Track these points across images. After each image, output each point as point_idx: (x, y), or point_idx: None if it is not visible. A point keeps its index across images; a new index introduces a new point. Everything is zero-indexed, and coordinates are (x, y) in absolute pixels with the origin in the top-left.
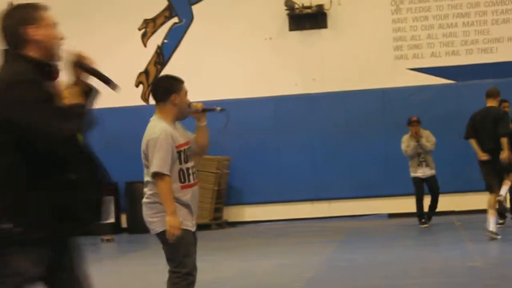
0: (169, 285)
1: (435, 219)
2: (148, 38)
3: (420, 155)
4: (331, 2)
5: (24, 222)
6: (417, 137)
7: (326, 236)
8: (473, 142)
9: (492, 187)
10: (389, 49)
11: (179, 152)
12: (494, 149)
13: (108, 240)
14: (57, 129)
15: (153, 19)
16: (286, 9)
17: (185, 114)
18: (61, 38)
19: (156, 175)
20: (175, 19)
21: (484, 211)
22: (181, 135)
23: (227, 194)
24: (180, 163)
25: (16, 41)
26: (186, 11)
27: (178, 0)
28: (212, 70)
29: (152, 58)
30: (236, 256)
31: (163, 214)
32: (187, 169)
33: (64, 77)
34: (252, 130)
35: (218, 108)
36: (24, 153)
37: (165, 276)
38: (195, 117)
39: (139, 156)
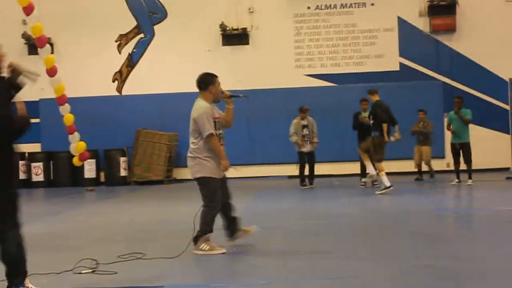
0: (202, 215)
1: (319, 181)
2: (122, 47)
3: (305, 136)
4: (252, 26)
5: None
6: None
7: (241, 191)
8: (385, 127)
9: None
10: (291, 60)
11: (214, 122)
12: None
13: (91, 190)
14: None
15: (126, 34)
16: (221, 30)
17: (219, 98)
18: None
19: (209, 136)
20: (142, 35)
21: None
22: (216, 112)
23: (176, 159)
24: (214, 130)
25: None
26: (149, 29)
27: (144, 21)
28: (167, 71)
29: (124, 62)
30: (180, 203)
31: (201, 165)
32: (218, 134)
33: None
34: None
35: (241, 95)
36: None
37: (129, 216)
38: (225, 102)
39: (114, 131)
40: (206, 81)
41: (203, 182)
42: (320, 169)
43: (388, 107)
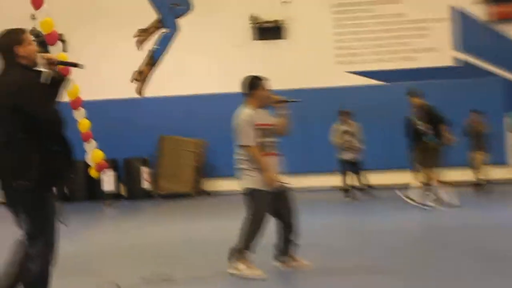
0: (243, 226)
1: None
2: (142, 44)
3: (346, 141)
4: (286, 18)
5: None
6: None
7: None
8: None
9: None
10: (331, 56)
11: (258, 129)
12: None
13: (109, 205)
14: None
15: (146, 29)
16: (251, 23)
17: (266, 103)
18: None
19: (245, 147)
20: (164, 29)
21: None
22: (263, 118)
23: (204, 169)
24: (259, 137)
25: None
26: (172, 23)
27: (166, 14)
28: (192, 70)
29: (145, 60)
30: (211, 219)
31: (246, 175)
32: (264, 142)
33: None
34: (224, 118)
35: (292, 99)
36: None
37: (154, 234)
38: (275, 106)
39: (135, 137)
40: (249, 85)
41: (249, 194)
42: (370, 178)
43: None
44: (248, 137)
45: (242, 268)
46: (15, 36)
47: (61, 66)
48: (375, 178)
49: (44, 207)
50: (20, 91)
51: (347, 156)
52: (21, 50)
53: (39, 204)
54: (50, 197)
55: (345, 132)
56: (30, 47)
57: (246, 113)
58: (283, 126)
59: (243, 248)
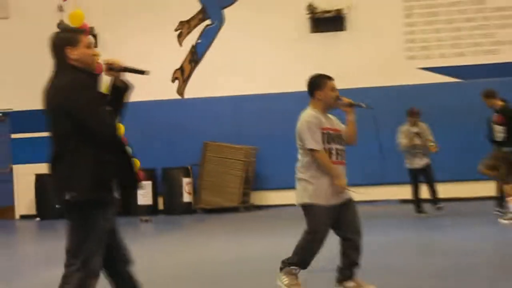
0: (299, 242)
1: (450, 205)
2: (184, 38)
3: (416, 146)
4: (349, 6)
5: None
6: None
7: None
8: None
9: None
10: (401, 50)
11: (323, 134)
12: None
13: (146, 221)
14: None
15: (188, 21)
16: (308, 13)
17: (332, 106)
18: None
19: (312, 151)
20: (208, 21)
21: (489, 198)
22: (329, 122)
23: (254, 180)
24: (323, 143)
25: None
26: (218, 14)
27: (210, 4)
28: (241, 67)
29: (187, 57)
30: (262, 236)
31: (304, 188)
32: (330, 149)
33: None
34: (277, 122)
35: (364, 105)
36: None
37: (197, 254)
38: (344, 110)
39: (175, 144)
40: (312, 85)
41: (304, 209)
42: (440, 190)
43: None
44: (315, 140)
45: (285, 281)
46: (68, 36)
47: (111, 70)
48: (450, 189)
49: (90, 225)
50: (68, 95)
51: (418, 163)
52: (73, 53)
53: (85, 220)
54: (102, 216)
55: (416, 134)
56: (84, 50)
57: (311, 114)
58: (351, 134)
59: (294, 263)
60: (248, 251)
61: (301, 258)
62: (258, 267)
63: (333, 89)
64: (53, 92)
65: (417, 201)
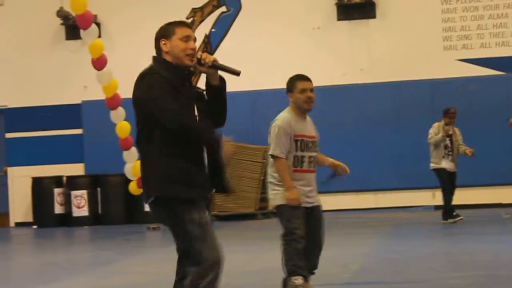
0: (282, 251)
1: (481, 212)
2: (196, 27)
3: (447, 147)
4: None
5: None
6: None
7: (372, 227)
8: None
9: None
10: (438, 40)
11: (296, 141)
12: None
13: (154, 229)
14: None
15: (201, 8)
16: None
17: (305, 110)
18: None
19: (273, 157)
20: (223, 8)
21: None
22: (305, 128)
23: None
24: (296, 151)
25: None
26: (234, 0)
27: None
28: (260, 59)
29: (199, 47)
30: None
31: (275, 191)
32: (302, 157)
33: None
34: None
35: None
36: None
37: None
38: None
39: None
40: (287, 87)
41: (279, 212)
42: (480, 196)
43: None
44: (279, 148)
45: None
46: (166, 27)
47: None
48: (490, 195)
49: (181, 220)
50: (137, 87)
51: (447, 165)
52: (165, 45)
53: (174, 218)
54: (189, 210)
55: (449, 136)
56: (176, 43)
57: (285, 119)
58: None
59: (291, 273)
60: (265, 261)
61: (292, 264)
62: (277, 278)
63: (302, 90)
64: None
65: (449, 207)
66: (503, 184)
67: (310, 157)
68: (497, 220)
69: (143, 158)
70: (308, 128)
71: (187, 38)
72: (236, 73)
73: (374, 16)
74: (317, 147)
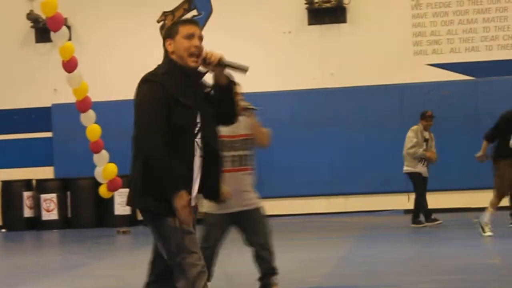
0: None
1: (451, 216)
2: None
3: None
4: None
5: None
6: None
7: (342, 231)
8: (484, 144)
9: None
10: (408, 44)
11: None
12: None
13: (124, 232)
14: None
15: (172, 12)
16: (306, 3)
17: None
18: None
19: None
20: (194, 12)
21: (500, 209)
22: (233, 127)
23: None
24: None
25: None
26: (205, 4)
27: None
28: None
29: None
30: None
31: None
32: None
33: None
34: (268, 124)
35: (251, 107)
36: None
37: None
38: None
39: None
40: None
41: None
42: (450, 200)
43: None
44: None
45: None
46: (171, 27)
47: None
48: (459, 199)
49: (162, 228)
50: (137, 92)
51: (422, 170)
52: (170, 45)
53: (155, 226)
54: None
55: (425, 140)
56: (180, 41)
57: None
58: (257, 137)
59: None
60: (237, 266)
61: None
62: (248, 282)
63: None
64: None
65: (426, 210)
66: (472, 189)
67: (233, 156)
68: (466, 225)
69: (132, 163)
70: (231, 129)
71: (191, 36)
72: (244, 70)
73: (344, 21)
74: (250, 145)
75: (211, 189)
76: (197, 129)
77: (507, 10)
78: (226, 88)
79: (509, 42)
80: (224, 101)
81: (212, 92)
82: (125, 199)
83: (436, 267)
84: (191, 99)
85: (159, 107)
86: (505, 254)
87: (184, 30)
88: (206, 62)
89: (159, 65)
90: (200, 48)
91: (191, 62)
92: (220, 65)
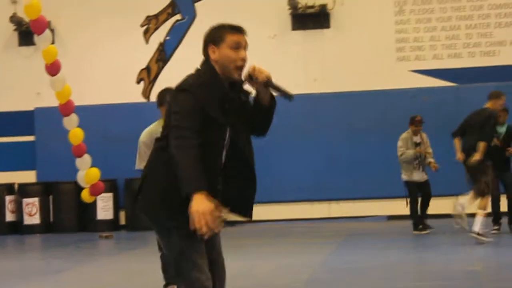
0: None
1: (433, 222)
2: (151, 34)
3: (417, 159)
4: (334, 2)
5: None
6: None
7: (325, 237)
8: (455, 142)
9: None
10: (391, 51)
11: None
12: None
13: (106, 237)
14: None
15: (156, 16)
16: (289, 8)
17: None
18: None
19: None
20: (178, 16)
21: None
22: None
23: None
24: None
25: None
26: (189, 8)
27: None
28: None
29: (154, 55)
30: (234, 256)
31: None
32: None
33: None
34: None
35: None
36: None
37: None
38: None
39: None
40: (157, 99)
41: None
42: (432, 206)
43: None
44: (142, 161)
45: None
46: (217, 32)
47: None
48: (445, 205)
49: (170, 234)
50: (173, 100)
51: (417, 176)
52: (214, 52)
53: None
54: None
55: (416, 144)
56: (226, 52)
57: (149, 133)
58: None
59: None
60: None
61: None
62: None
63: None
64: None
65: (417, 218)
66: (454, 194)
67: None
68: (448, 231)
69: (149, 163)
70: None
71: (237, 46)
72: (289, 97)
73: (328, 26)
74: None
75: (240, 203)
76: (225, 143)
77: (489, 17)
78: (269, 107)
79: (492, 49)
80: (261, 118)
81: (251, 102)
82: (108, 203)
83: (417, 273)
84: (223, 113)
85: (194, 114)
86: (487, 260)
87: (230, 39)
88: (252, 79)
89: (198, 70)
90: (245, 61)
91: (236, 75)
92: (266, 85)
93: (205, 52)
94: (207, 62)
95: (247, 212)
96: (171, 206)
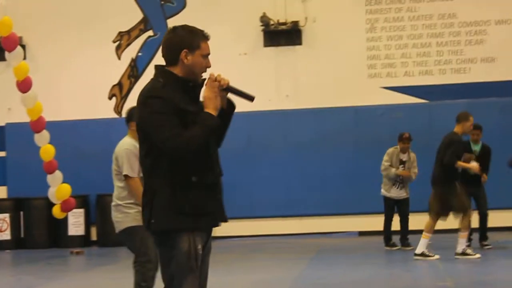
0: (135, 274)
1: (412, 238)
2: (123, 50)
3: (398, 175)
4: (306, 19)
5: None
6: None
7: (296, 253)
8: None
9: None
10: (363, 67)
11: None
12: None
13: (77, 253)
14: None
15: (128, 32)
16: (262, 25)
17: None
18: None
19: (127, 177)
20: (150, 32)
21: (455, 231)
22: None
23: None
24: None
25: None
26: (161, 24)
27: (153, 13)
28: None
29: (126, 71)
30: (209, 272)
31: (124, 215)
32: None
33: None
34: (224, 145)
35: None
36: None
37: None
38: None
39: (110, 168)
40: (127, 116)
41: (129, 234)
42: (412, 222)
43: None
44: (131, 167)
45: None
46: (192, 38)
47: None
48: (419, 221)
49: (174, 251)
50: (142, 104)
51: (396, 193)
52: (186, 58)
53: (167, 248)
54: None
55: (401, 162)
56: (198, 60)
57: (129, 143)
58: None
59: None
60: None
61: (146, 286)
62: None
63: None
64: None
65: (388, 234)
66: (426, 211)
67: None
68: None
69: (148, 186)
70: None
71: (208, 54)
72: (250, 98)
73: (300, 43)
74: None
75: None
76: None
77: (460, 34)
78: (226, 114)
79: (462, 66)
80: (220, 125)
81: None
82: (79, 219)
83: None
84: (197, 106)
85: (171, 117)
86: (458, 276)
87: (205, 48)
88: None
89: (153, 80)
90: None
91: (200, 78)
92: (227, 90)
93: (174, 56)
94: (161, 68)
95: (224, 218)
96: (185, 214)
